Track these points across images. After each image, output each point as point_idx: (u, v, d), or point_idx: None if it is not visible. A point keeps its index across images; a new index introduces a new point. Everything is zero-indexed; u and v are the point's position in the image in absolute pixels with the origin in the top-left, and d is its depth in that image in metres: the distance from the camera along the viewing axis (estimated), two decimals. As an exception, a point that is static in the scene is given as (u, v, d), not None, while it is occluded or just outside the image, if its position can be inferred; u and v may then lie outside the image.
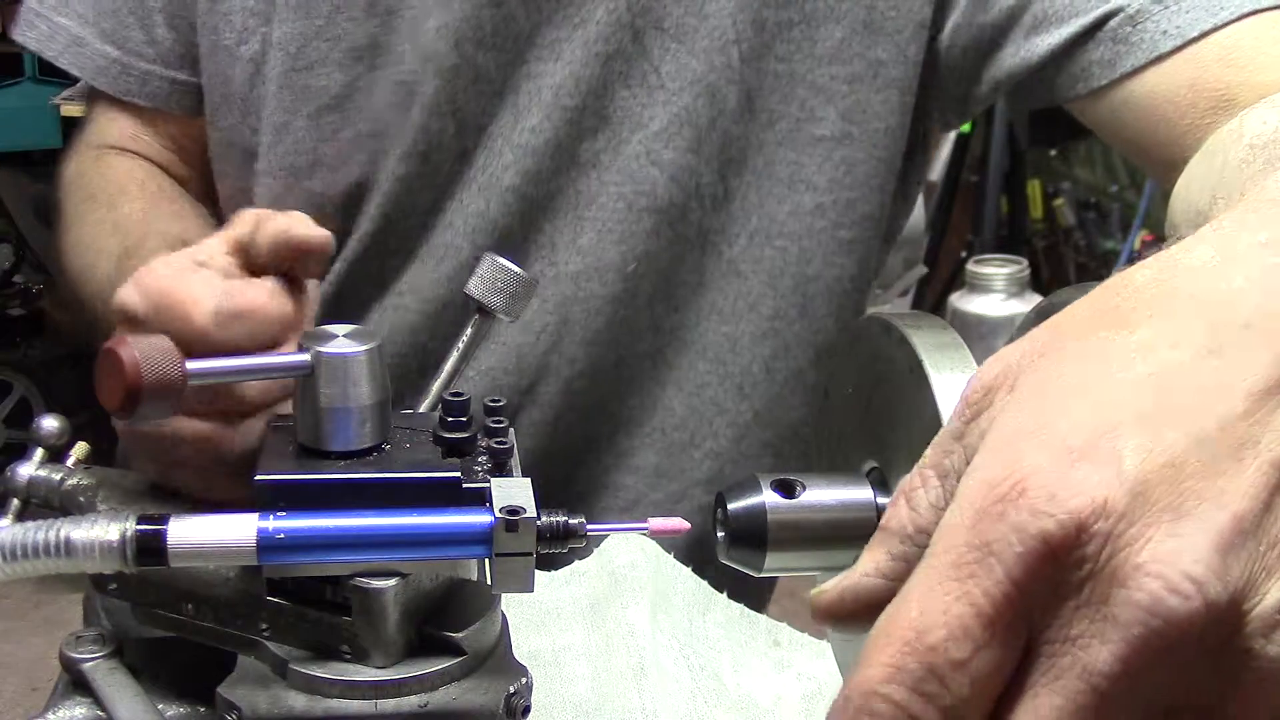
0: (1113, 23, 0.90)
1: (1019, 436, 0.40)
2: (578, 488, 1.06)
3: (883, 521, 0.45)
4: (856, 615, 0.45)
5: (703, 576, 0.92)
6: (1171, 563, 0.37)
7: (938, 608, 0.39)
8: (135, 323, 0.65)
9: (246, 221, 0.68)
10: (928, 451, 0.45)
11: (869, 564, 0.45)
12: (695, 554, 0.91)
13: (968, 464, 0.42)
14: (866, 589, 0.45)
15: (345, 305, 1.02)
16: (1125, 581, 0.38)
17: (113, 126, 1.08)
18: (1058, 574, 0.38)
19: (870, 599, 0.44)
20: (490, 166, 0.98)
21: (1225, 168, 0.61)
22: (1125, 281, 0.45)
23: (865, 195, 1.02)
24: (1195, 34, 0.86)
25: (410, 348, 1.00)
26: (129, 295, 0.66)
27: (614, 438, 1.05)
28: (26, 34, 1.06)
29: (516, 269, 0.71)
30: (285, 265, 0.66)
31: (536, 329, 1.00)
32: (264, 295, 0.64)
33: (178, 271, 0.66)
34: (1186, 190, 0.69)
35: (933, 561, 0.40)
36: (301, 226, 0.66)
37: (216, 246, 0.68)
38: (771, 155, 1.00)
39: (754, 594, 1.01)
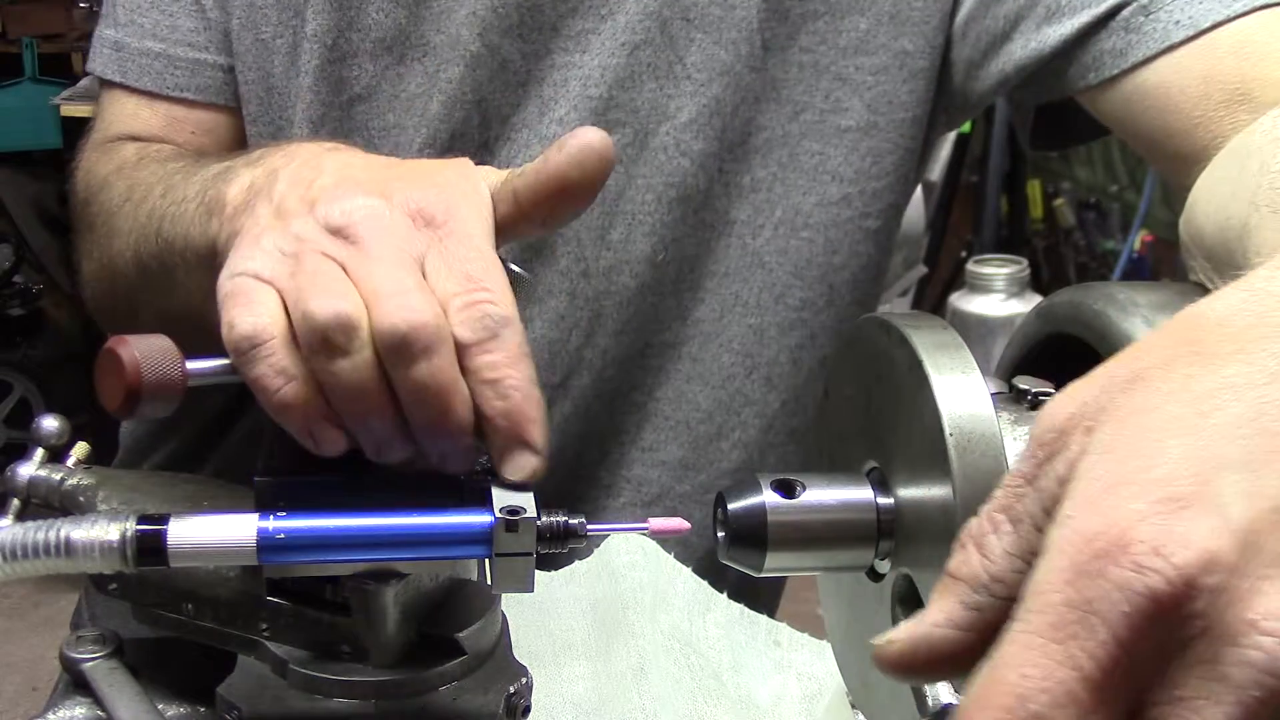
0: (1125, 12, 0.90)
1: (1114, 484, 0.38)
2: (604, 483, 1.06)
3: (950, 569, 0.43)
4: (930, 667, 0.43)
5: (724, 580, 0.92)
6: None
7: (1039, 673, 0.37)
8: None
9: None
10: (996, 494, 0.43)
11: (939, 614, 0.42)
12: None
13: (1043, 509, 0.40)
14: (941, 640, 0.42)
15: None
16: (1238, 640, 0.36)
17: (135, 120, 1.02)
18: (1165, 633, 0.37)
19: (945, 651, 0.42)
20: (517, 158, 0.97)
21: (1265, 173, 0.60)
22: (1205, 313, 0.43)
23: (890, 185, 1.03)
24: (1208, 24, 0.86)
25: None
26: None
27: (640, 431, 1.05)
28: (92, 62, 1.03)
29: (515, 268, 0.70)
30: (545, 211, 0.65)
31: (569, 325, 1.00)
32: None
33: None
34: (1212, 193, 0.67)
35: (1029, 621, 0.38)
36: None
37: None
38: (796, 147, 1.00)
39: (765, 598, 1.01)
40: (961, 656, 0.41)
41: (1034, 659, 0.37)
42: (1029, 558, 0.40)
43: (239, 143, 1.03)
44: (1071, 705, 0.37)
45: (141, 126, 1.02)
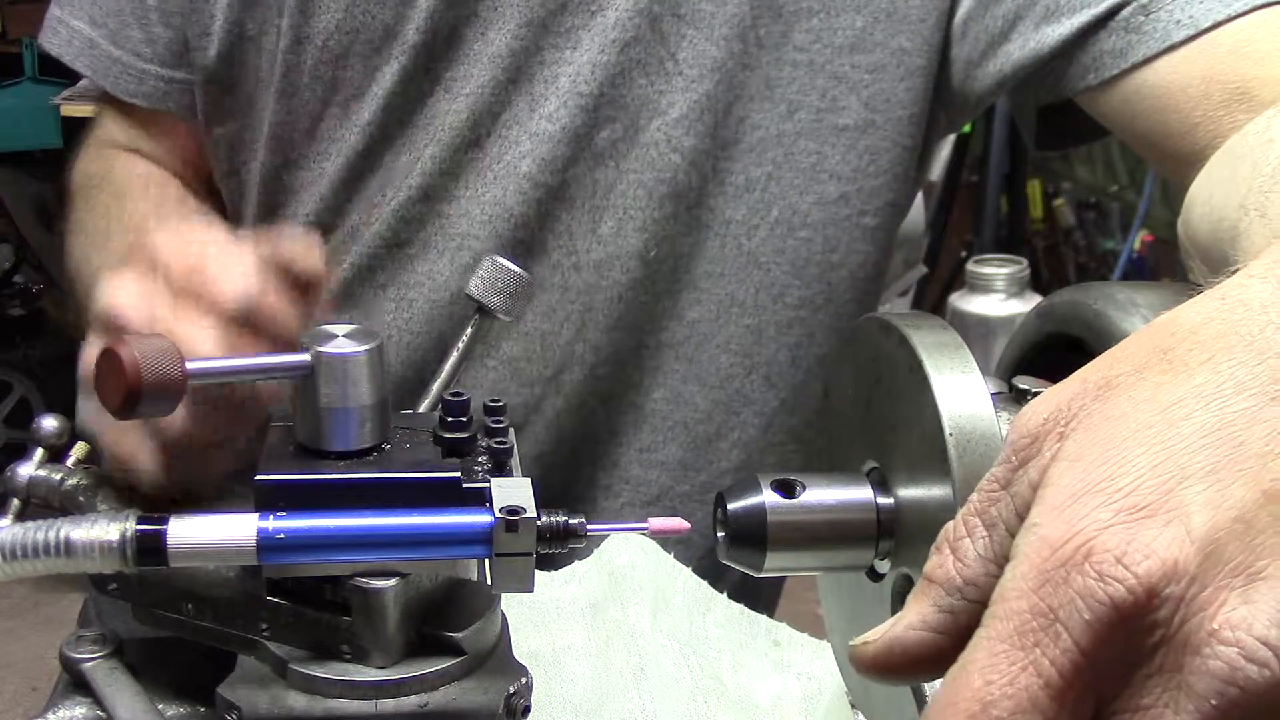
0: (1125, 12, 0.90)
1: (1079, 491, 0.39)
2: (602, 483, 1.06)
3: (926, 571, 0.43)
4: (904, 669, 0.44)
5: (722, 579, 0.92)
6: (1246, 628, 0.36)
7: (1003, 679, 0.37)
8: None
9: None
10: (972, 498, 0.43)
11: (914, 616, 0.43)
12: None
13: (1016, 514, 0.41)
14: (914, 642, 0.43)
15: (362, 295, 1.02)
16: (1199, 649, 0.36)
17: (117, 128, 1.09)
18: (1128, 641, 0.37)
19: (918, 653, 0.43)
20: (507, 154, 0.98)
21: (1255, 176, 0.59)
22: (1178, 321, 0.43)
23: (889, 183, 1.03)
24: (1208, 24, 0.86)
25: (428, 339, 1.01)
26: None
27: (638, 430, 1.05)
28: (50, 40, 1.07)
29: (517, 269, 0.71)
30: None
31: (560, 317, 1.00)
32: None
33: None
34: (1208, 194, 0.67)
35: (995, 628, 0.38)
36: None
37: None
38: (792, 145, 1.00)
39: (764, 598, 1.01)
40: (935, 659, 0.42)
41: (998, 665, 0.38)
42: (1002, 562, 0.40)
43: (196, 147, 1.09)
44: (1034, 711, 0.37)
45: (122, 136, 1.09)
